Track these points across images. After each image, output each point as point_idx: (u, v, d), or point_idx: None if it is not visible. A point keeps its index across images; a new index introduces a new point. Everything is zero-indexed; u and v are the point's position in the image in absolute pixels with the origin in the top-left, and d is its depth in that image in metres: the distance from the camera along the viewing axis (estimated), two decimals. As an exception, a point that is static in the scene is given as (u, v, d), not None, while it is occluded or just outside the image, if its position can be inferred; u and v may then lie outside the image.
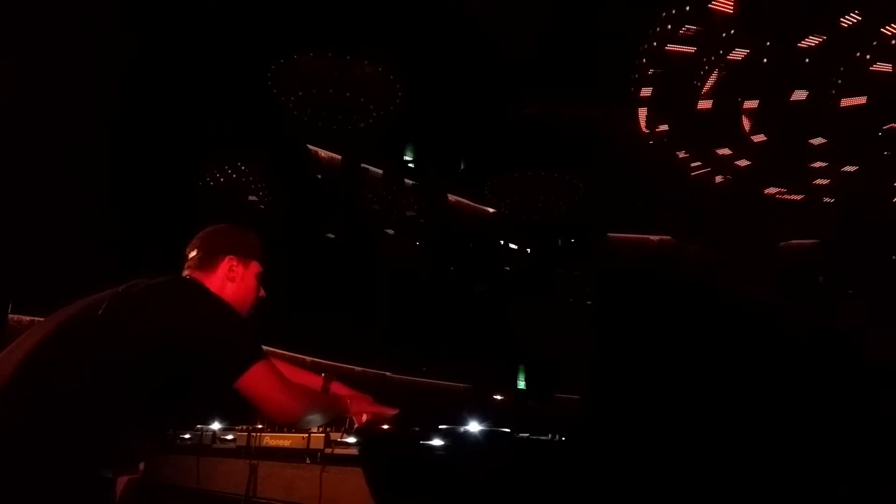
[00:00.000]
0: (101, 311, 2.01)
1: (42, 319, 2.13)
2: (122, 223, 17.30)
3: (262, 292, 2.47)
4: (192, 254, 2.38)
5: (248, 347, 2.08)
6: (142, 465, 2.10)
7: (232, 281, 2.35)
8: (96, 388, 1.91)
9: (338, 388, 2.65)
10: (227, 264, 2.36)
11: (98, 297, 2.09)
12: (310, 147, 25.41)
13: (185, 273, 2.36)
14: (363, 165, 26.69)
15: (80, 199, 16.39)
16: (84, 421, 1.88)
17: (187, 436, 11.42)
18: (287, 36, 19.03)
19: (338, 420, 2.55)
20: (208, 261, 2.35)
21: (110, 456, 1.95)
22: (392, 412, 2.70)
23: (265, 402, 2.06)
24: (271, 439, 8.94)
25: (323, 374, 2.67)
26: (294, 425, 2.28)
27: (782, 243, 27.39)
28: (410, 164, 28.53)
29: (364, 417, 2.57)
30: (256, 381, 2.03)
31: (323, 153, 25.98)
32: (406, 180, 27.64)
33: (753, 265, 24.12)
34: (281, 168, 23.57)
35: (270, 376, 2.08)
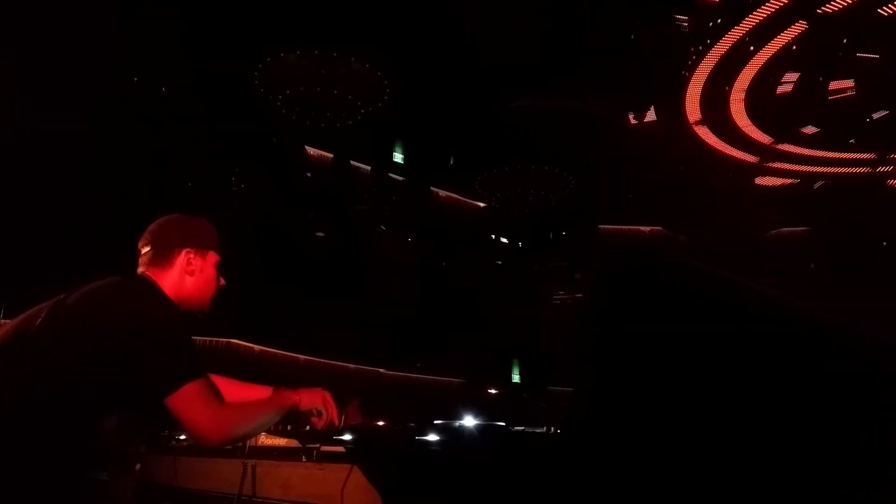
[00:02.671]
0: (39, 321, 1.96)
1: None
2: (113, 226, 17.20)
3: (223, 281, 2.38)
4: (145, 249, 2.26)
5: (183, 365, 1.99)
6: (138, 467, 2.09)
7: (191, 275, 2.24)
8: (53, 394, 1.88)
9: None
10: (185, 258, 2.24)
11: (39, 308, 2.04)
12: (299, 145, 25.33)
13: (140, 270, 2.25)
14: (353, 163, 26.63)
15: (72, 203, 16.30)
16: (49, 429, 1.85)
17: (182, 437, 11.40)
18: (274, 35, 18.96)
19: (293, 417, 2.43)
20: (163, 256, 2.23)
21: (104, 459, 1.94)
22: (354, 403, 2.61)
23: (188, 423, 1.94)
24: (266, 438, 8.93)
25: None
26: (216, 448, 2.20)
27: (774, 231, 27.49)
28: (400, 161, 28.50)
29: (325, 413, 2.43)
30: (184, 401, 1.95)
31: (312, 151, 25.90)
32: (396, 177, 27.63)
33: (745, 254, 24.20)
34: (271, 167, 23.50)
35: (199, 398, 1.98)
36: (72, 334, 1.94)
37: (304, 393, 2.35)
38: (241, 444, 8.93)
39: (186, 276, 2.27)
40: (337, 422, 2.49)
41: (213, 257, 2.33)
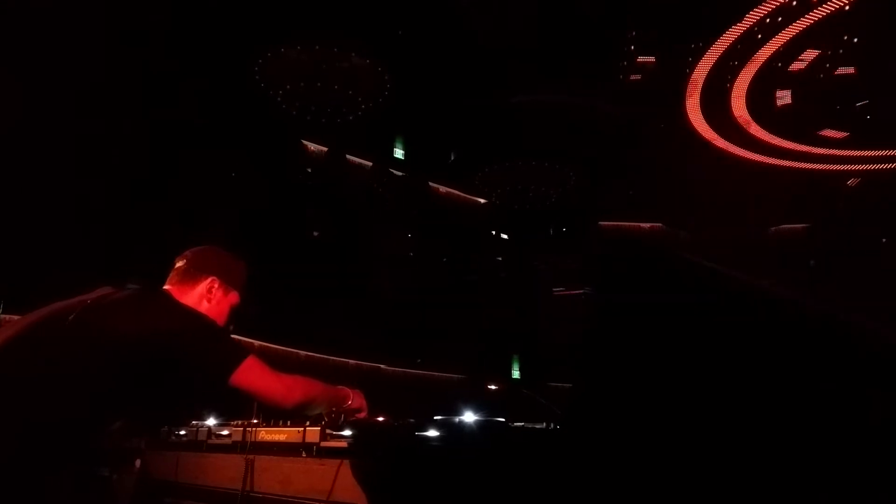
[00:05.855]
0: (70, 319, 2.00)
1: (14, 319, 2.13)
2: (114, 223, 17.18)
3: (232, 327, 2.49)
4: (180, 263, 2.38)
5: (234, 347, 2.15)
6: (138, 462, 2.12)
7: (209, 301, 2.36)
8: (68, 393, 1.91)
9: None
10: (209, 284, 2.37)
11: (65, 305, 2.09)
12: (298, 140, 25.30)
13: (166, 287, 2.37)
14: (352, 158, 26.61)
15: (72, 198, 16.29)
16: (58, 424, 1.88)
17: (182, 432, 11.42)
18: (274, 29, 18.94)
19: (336, 412, 2.56)
20: (192, 275, 2.36)
21: (105, 455, 1.96)
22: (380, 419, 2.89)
23: (260, 391, 2.14)
24: (266, 434, 8.93)
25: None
26: (291, 411, 2.34)
27: (773, 228, 27.49)
28: (400, 157, 28.48)
29: (363, 414, 2.62)
30: (249, 374, 2.10)
31: (311, 146, 25.88)
32: (396, 172, 27.61)
33: (745, 250, 24.21)
34: (269, 162, 23.47)
35: (260, 368, 2.15)
36: (104, 340, 2.00)
37: (354, 394, 2.61)
38: (242, 439, 8.95)
39: (204, 301, 2.40)
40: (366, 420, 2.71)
41: (234, 297, 2.49)
